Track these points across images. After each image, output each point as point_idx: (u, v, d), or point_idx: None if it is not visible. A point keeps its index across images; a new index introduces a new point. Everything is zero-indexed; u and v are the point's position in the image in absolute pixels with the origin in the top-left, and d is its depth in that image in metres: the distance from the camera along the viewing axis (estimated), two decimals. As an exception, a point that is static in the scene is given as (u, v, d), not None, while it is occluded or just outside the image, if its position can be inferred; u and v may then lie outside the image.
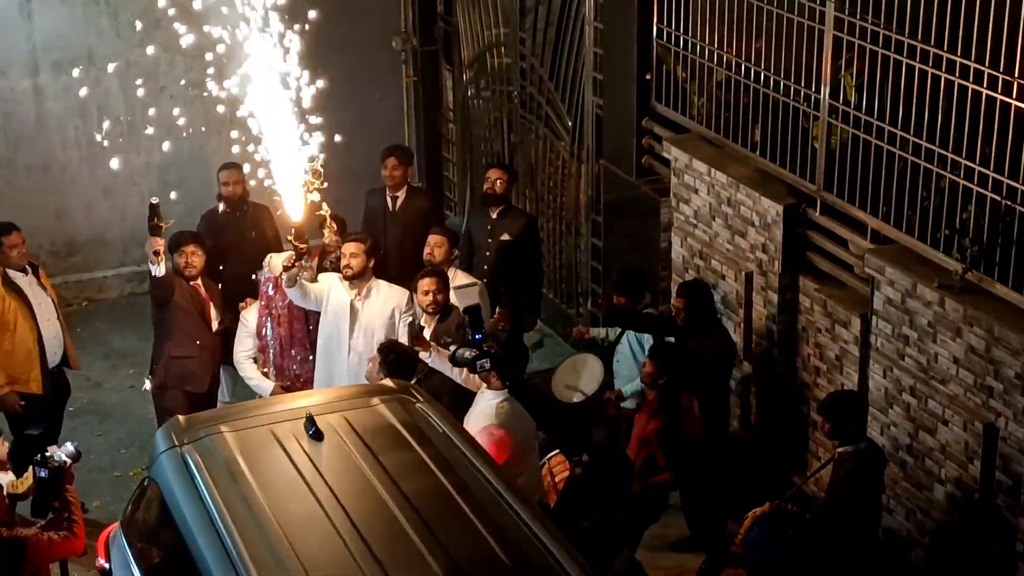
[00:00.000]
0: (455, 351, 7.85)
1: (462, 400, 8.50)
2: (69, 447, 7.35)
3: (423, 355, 8.63)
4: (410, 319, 9.17)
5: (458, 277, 9.69)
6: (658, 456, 8.63)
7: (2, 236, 9.61)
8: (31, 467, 7.40)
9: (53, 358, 9.84)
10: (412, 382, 8.09)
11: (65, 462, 7.25)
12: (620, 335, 9.74)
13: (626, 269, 9.86)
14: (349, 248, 9.31)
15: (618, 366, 9.69)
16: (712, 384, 9.04)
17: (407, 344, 8.65)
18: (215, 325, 9.81)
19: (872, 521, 8.05)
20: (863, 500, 7.80)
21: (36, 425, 9.78)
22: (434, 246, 9.78)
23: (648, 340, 9.40)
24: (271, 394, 9.46)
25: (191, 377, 9.72)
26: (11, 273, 9.66)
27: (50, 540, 7.10)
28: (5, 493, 7.46)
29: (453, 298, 9.26)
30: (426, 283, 9.18)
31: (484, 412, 7.99)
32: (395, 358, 8.31)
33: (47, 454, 7.28)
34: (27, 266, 9.79)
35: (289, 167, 8.69)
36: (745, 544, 6.40)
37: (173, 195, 10.72)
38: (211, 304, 9.78)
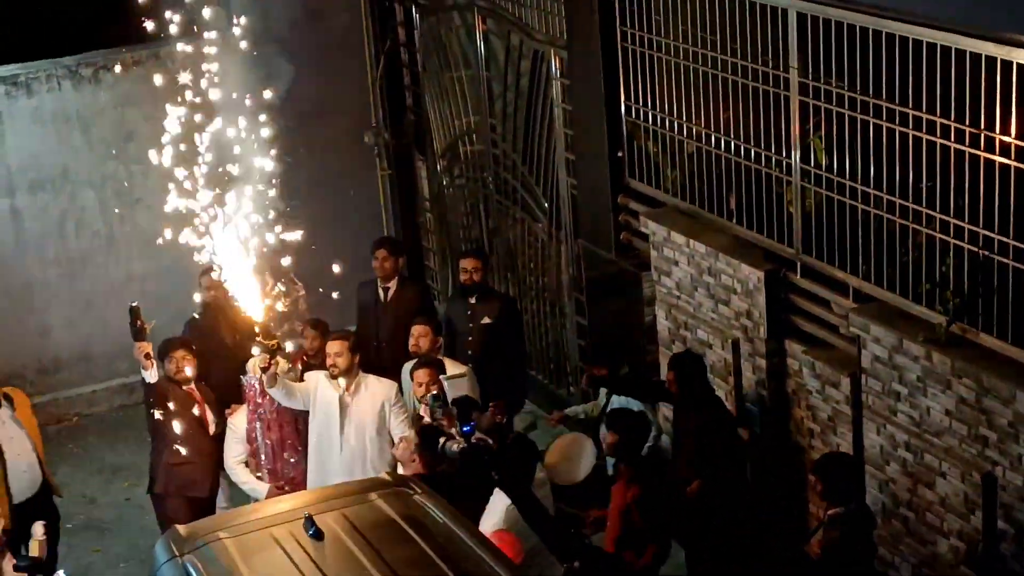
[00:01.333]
0: (443, 444, 7.85)
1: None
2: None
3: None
4: (434, 392, 9.15)
5: (446, 366, 9.70)
6: (638, 525, 8.59)
7: None
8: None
9: (21, 493, 9.39)
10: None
11: None
12: (605, 406, 9.74)
13: (596, 341, 9.96)
14: (333, 347, 9.31)
15: None
16: (708, 454, 9.02)
17: (424, 421, 8.67)
18: (212, 429, 9.78)
19: None
20: (855, 561, 7.79)
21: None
22: (418, 336, 9.83)
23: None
24: (266, 496, 9.41)
25: (191, 483, 9.69)
26: None
27: None
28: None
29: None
30: (421, 375, 9.28)
31: (495, 512, 7.89)
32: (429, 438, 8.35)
33: None
34: (2, 399, 9.55)
35: (249, 269, 8.72)
36: None
37: (155, 304, 10.71)
38: (207, 408, 9.76)
